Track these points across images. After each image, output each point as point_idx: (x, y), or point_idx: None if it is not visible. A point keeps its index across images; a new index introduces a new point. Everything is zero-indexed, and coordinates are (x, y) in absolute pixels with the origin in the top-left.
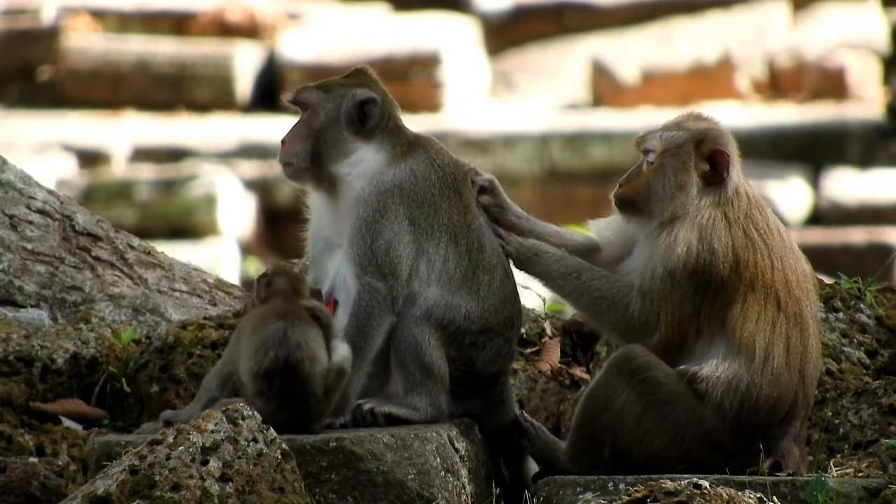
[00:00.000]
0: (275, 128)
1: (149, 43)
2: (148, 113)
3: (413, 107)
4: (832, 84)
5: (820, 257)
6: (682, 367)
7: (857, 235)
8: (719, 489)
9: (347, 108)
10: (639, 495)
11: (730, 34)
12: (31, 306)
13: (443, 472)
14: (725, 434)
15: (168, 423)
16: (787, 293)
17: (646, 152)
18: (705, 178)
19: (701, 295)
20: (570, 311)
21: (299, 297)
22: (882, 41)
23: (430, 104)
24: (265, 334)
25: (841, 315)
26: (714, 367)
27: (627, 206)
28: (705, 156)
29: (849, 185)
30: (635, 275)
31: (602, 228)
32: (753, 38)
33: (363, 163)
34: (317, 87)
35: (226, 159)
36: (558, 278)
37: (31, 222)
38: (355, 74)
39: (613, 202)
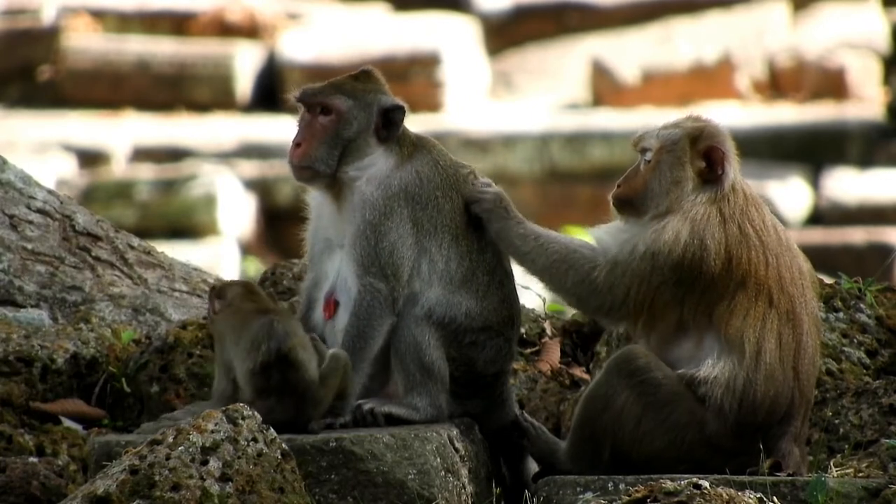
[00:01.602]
0: (275, 128)
1: (149, 43)
2: (148, 113)
3: (413, 107)
4: (832, 84)
5: (820, 257)
6: (681, 370)
7: (857, 235)
8: (719, 489)
9: (378, 116)
10: (639, 495)
11: (730, 34)
12: (31, 306)
13: (443, 472)
14: (726, 436)
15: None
16: (780, 290)
17: (643, 151)
18: (701, 175)
19: (685, 288)
20: (570, 311)
21: (261, 300)
22: (882, 41)
23: (430, 104)
24: (252, 332)
25: (841, 315)
26: (710, 368)
27: (625, 205)
28: (701, 153)
29: (849, 185)
30: (612, 246)
31: (602, 234)
32: (753, 38)
33: (374, 166)
34: (338, 91)
35: (226, 159)
36: (515, 238)
37: (31, 222)
38: (367, 78)
39: (611, 203)
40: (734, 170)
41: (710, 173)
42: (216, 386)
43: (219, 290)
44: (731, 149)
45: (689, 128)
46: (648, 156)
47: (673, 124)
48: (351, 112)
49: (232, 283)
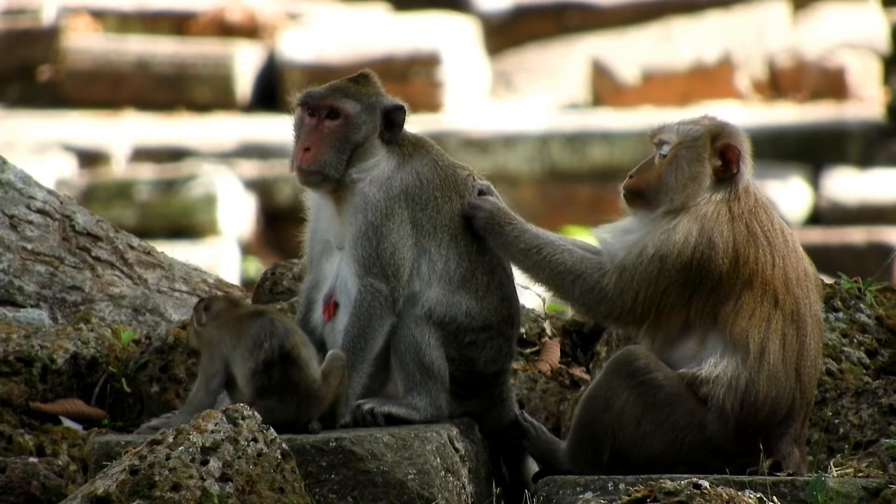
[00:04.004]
0: (275, 128)
1: (149, 43)
2: (148, 113)
3: (413, 107)
4: (832, 84)
5: (820, 257)
6: (682, 370)
7: (857, 235)
8: (719, 489)
9: (381, 119)
10: (639, 495)
11: (730, 34)
12: (31, 306)
13: (443, 472)
14: (727, 437)
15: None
16: (786, 291)
17: (660, 144)
18: (717, 173)
19: (692, 289)
20: (570, 311)
21: (248, 308)
22: (882, 41)
23: (430, 104)
24: (254, 333)
25: (841, 315)
26: (713, 368)
27: (636, 197)
28: (718, 150)
29: (849, 185)
30: (619, 250)
31: (606, 236)
32: (753, 38)
33: (377, 168)
34: (345, 95)
35: (226, 159)
36: (518, 254)
37: (31, 222)
38: (366, 81)
39: (622, 193)
40: (748, 171)
41: (725, 172)
42: (193, 395)
43: (206, 303)
44: (747, 150)
45: (709, 125)
46: (665, 149)
47: (692, 121)
48: (359, 116)
49: (217, 297)
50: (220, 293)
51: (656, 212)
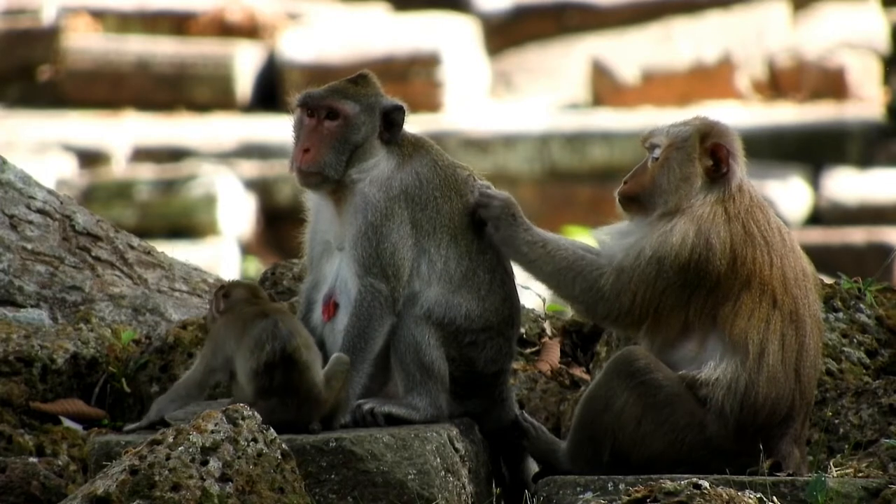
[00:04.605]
0: (275, 128)
1: (149, 43)
2: (148, 113)
3: (413, 107)
4: (832, 84)
5: (820, 257)
6: (682, 371)
7: (857, 235)
8: (719, 489)
9: (380, 119)
10: (639, 495)
11: (730, 34)
12: (31, 306)
13: (443, 472)
14: (727, 438)
15: (163, 423)
16: (784, 291)
17: (651, 148)
18: (709, 173)
19: (690, 290)
20: (570, 311)
21: (263, 304)
22: (882, 41)
23: (430, 104)
24: (256, 333)
25: (841, 315)
26: (712, 370)
27: (632, 202)
28: (708, 150)
29: (849, 185)
30: (618, 251)
31: (605, 237)
32: (753, 38)
33: (377, 168)
34: (343, 96)
35: (226, 159)
36: (522, 245)
37: (31, 222)
38: (365, 82)
39: (617, 199)
40: (741, 170)
41: (716, 171)
42: (190, 374)
43: (226, 290)
44: (738, 149)
45: (699, 125)
46: (657, 152)
47: (682, 122)
48: (358, 117)
49: (238, 284)
50: (241, 280)
51: (652, 215)
